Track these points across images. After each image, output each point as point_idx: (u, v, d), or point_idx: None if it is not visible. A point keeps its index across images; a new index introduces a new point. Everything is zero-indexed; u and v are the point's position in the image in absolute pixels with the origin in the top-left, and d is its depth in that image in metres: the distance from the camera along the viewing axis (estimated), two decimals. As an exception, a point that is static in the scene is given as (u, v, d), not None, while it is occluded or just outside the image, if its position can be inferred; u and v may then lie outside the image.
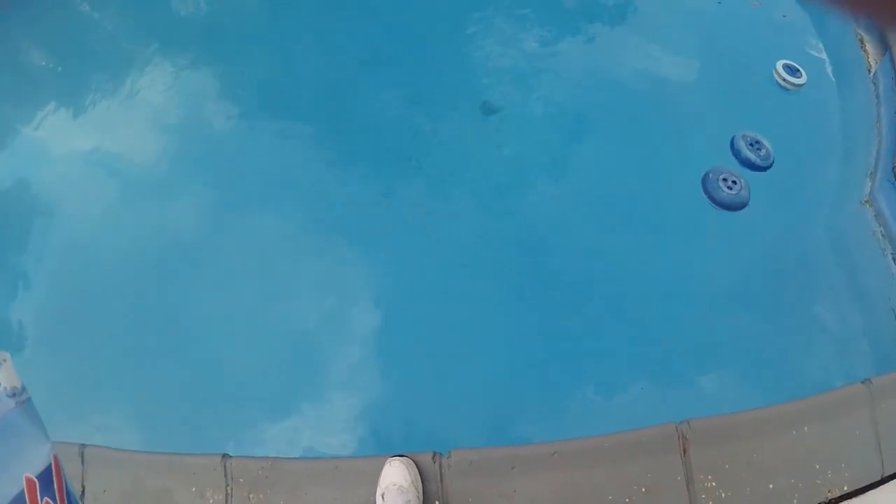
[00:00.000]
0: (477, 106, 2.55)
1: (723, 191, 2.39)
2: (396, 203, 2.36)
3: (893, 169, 2.36)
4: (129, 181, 2.49)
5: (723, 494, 1.64)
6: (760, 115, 2.67)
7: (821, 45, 2.99)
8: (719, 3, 3.10)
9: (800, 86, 2.75)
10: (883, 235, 2.38)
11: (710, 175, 2.43)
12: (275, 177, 2.48)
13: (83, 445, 1.78)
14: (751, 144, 2.53)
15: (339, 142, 2.59)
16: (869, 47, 2.95)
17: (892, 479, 1.82)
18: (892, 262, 2.35)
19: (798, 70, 2.77)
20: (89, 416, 2.05)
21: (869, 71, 2.86)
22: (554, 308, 2.14)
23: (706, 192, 2.41)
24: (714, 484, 1.64)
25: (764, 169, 2.51)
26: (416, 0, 2.95)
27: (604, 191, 2.42)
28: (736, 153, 2.53)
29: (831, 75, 2.89)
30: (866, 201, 2.46)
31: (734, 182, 2.41)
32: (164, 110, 2.66)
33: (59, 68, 2.88)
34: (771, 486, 1.67)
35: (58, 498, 0.78)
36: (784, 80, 2.76)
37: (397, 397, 1.96)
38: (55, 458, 0.79)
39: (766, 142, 2.55)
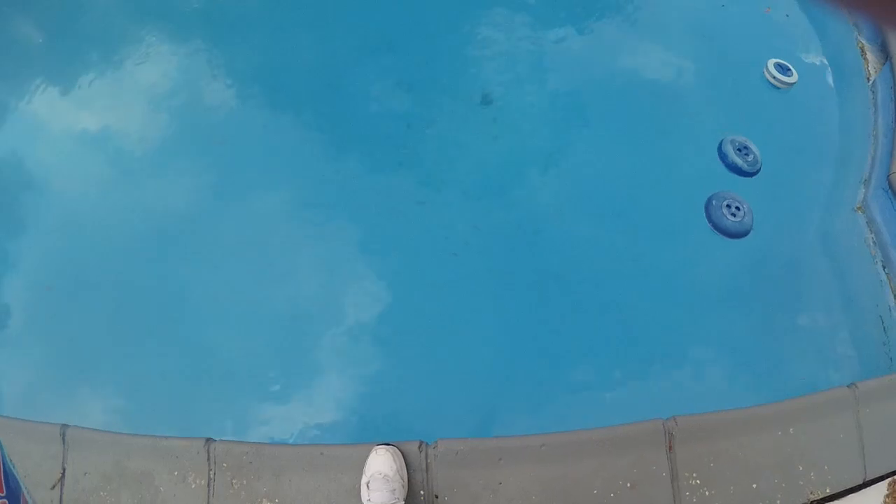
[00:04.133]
0: (474, 96, 2.53)
1: (727, 218, 2.35)
2: (389, 191, 2.34)
3: (888, 177, 2.37)
4: (122, 160, 2.46)
5: (707, 492, 1.64)
6: (752, 117, 2.67)
7: (821, 50, 3.00)
8: (723, 6, 3.10)
9: (790, 84, 2.76)
10: (874, 242, 2.40)
11: (714, 202, 2.39)
12: (269, 160, 2.46)
13: (65, 426, 1.76)
14: (738, 150, 2.52)
15: (334, 127, 2.57)
16: (869, 55, 2.96)
17: (874, 483, 1.84)
18: (881, 268, 2.36)
19: (789, 69, 2.79)
20: (75, 396, 2.03)
21: (868, 79, 2.88)
22: (544, 302, 2.13)
23: (710, 220, 2.37)
24: (699, 481, 1.64)
25: (751, 175, 2.50)
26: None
27: (597, 186, 2.41)
28: (723, 157, 2.52)
29: (829, 80, 2.90)
30: (859, 208, 2.48)
31: (738, 208, 2.37)
32: (160, 90, 2.63)
33: (54, 46, 2.84)
34: (755, 485, 1.68)
35: None
36: (774, 78, 2.77)
37: (386, 385, 1.95)
38: None
39: (753, 147, 2.55)
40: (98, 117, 2.54)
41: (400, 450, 1.63)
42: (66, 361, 2.05)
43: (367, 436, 1.81)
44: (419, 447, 1.64)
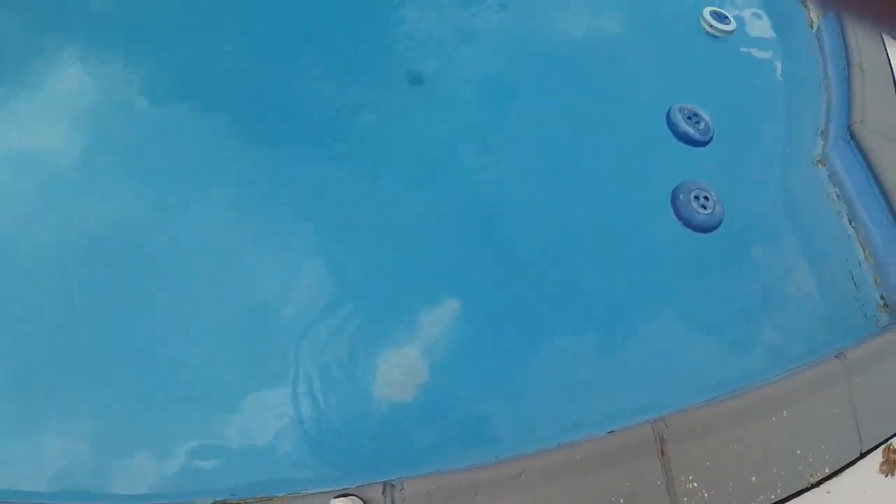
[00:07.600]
0: (402, 77, 2.28)
1: (698, 213, 2.13)
2: (326, 186, 2.09)
3: (849, 128, 2.26)
4: (53, 178, 2.10)
5: (705, 494, 1.49)
6: (695, 71, 2.55)
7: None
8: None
9: (729, 32, 2.66)
10: (838, 196, 2.30)
11: (681, 196, 2.16)
12: (201, 167, 2.17)
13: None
14: (689, 118, 2.35)
15: (264, 126, 2.31)
16: (810, 2, 2.87)
17: (870, 453, 1.75)
18: (847, 222, 2.27)
19: (726, 17, 2.69)
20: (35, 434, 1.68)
21: (811, 26, 2.78)
22: (505, 286, 1.93)
23: (679, 216, 2.14)
24: (696, 484, 1.49)
25: (704, 144, 2.34)
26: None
27: (542, 158, 2.23)
28: (673, 127, 2.34)
29: (769, 28, 2.80)
30: (819, 161, 2.37)
31: (706, 198, 2.17)
32: (85, 106, 2.28)
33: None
34: (753, 478, 1.54)
35: None
36: (712, 26, 2.66)
37: (339, 409, 1.68)
38: None
39: (704, 114, 2.38)
40: (22, 137, 2.17)
41: (360, 498, 1.40)
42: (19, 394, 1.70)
43: (325, 479, 1.56)
44: (383, 491, 1.42)
